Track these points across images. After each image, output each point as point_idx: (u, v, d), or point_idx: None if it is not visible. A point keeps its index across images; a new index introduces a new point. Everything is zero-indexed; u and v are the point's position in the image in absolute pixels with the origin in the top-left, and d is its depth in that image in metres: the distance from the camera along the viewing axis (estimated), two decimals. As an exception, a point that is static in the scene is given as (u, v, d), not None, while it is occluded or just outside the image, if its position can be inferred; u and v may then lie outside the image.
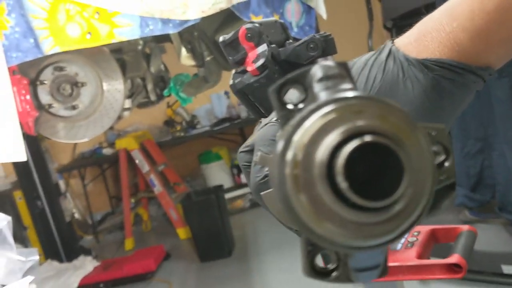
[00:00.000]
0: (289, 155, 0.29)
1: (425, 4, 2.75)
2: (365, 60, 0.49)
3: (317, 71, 0.32)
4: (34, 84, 1.90)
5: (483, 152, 2.63)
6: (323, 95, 0.31)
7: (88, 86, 1.91)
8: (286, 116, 0.32)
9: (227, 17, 1.88)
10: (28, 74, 1.91)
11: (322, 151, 0.28)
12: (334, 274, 0.34)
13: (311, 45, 0.88)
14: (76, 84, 1.90)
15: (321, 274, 0.35)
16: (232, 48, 0.93)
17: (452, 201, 2.91)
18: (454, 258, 0.75)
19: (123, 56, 2.19)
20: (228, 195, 4.48)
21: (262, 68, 0.85)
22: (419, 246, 0.84)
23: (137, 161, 4.31)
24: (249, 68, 0.87)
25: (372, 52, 0.49)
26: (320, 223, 0.29)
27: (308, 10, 2.14)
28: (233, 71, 0.89)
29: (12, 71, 1.83)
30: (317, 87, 0.31)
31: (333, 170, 0.28)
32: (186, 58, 2.01)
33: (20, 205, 4.31)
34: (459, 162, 2.69)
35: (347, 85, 0.31)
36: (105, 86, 1.94)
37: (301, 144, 0.29)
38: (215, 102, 5.12)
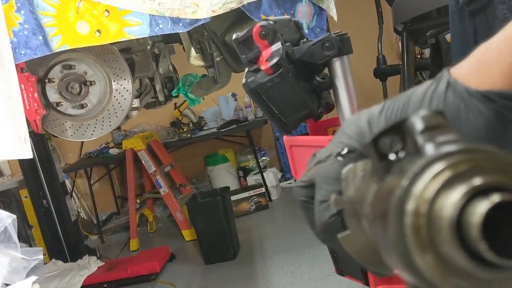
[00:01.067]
0: (410, 207, 0.28)
1: (437, 8, 2.73)
2: (422, 91, 0.47)
3: (416, 121, 0.32)
4: (42, 82, 1.89)
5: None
6: (429, 148, 0.30)
7: (97, 85, 1.89)
8: (387, 166, 0.32)
9: (237, 18, 1.87)
10: (36, 72, 1.90)
11: (449, 208, 0.28)
12: None
13: (327, 44, 0.86)
14: (84, 83, 1.89)
15: None
16: (246, 46, 0.91)
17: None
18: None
19: (132, 56, 2.18)
20: (234, 197, 4.46)
21: (276, 67, 0.83)
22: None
23: (143, 162, 4.30)
24: (262, 67, 0.85)
25: (428, 83, 0.48)
26: (447, 280, 0.28)
27: (320, 12, 2.12)
28: (246, 69, 0.87)
29: (20, 69, 1.82)
30: (420, 139, 0.31)
31: (462, 229, 0.28)
32: (195, 59, 1.99)
33: (26, 204, 4.31)
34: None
35: (452, 136, 0.31)
36: (114, 85, 1.92)
37: (423, 197, 0.28)
38: (222, 104, 5.11)
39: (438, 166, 0.28)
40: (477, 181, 0.28)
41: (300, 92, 0.83)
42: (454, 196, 0.28)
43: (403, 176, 0.29)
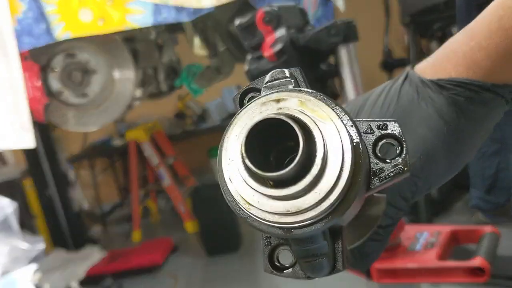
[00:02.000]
0: (225, 144, 0.34)
1: (445, 1, 2.69)
2: (383, 87, 0.49)
3: (269, 75, 0.37)
4: (45, 70, 1.88)
5: (499, 153, 2.57)
6: (263, 93, 0.36)
7: (99, 74, 1.88)
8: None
9: (242, 7, 1.84)
10: (39, 60, 1.89)
11: (242, 135, 0.32)
12: (290, 269, 0.37)
13: (333, 31, 0.83)
14: (87, 72, 1.88)
15: (278, 269, 0.38)
16: (249, 32, 0.89)
17: (466, 203, 2.86)
18: (477, 261, 0.71)
19: (135, 46, 2.16)
20: (237, 190, 4.44)
21: (280, 53, 0.81)
22: (439, 247, 0.80)
23: (146, 154, 4.29)
24: (266, 53, 0.83)
25: (391, 80, 0.50)
26: (249, 205, 0.32)
27: (325, 2, 2.09)
28: (249, 56, 0.85)
29: (23, 57, 1.81)
30: (264, 89, 0.37)
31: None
32: (199, 48, 1.97)
33: (30, 194, 4.31)
34: (474, 163, 2.63)
35: (291, 85, 0.35)
36: (116, 74, 1.91)
37: (233, 133, 0.34)
38: (226, 96, 5.08)
39: (250, 107, 0.34)
40: (268, 110, 0.33)
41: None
42: (247, 125, 0.32)
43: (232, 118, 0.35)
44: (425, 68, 0.47)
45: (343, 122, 0.32)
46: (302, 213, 0.31)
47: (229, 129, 0.35)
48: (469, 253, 0.78)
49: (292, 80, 0.36)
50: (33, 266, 1.24)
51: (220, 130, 4.68)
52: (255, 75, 0.74)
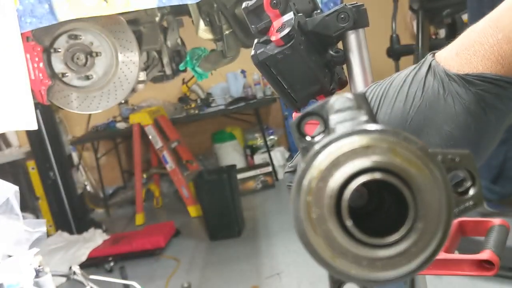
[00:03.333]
0: (304, 186, 0.31)
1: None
2: (404, 76, 0.47)
3: (334, 102, 0.35)
4: (48, 52, 1.86)
5: (507, 143, 2.54)
6: (339, 128, 0.33)
7: (103, 56, 1.86)
8: (307, 148, 0.34)
9: (248, -10, 1.81)
10: (42, 41, 1.86)
11: (332, 186, 0.30)
12: None
13: (342, 16, 0.81)
14: (90, 54, 1.85)
15: None
16: (256, 16, 0.87)
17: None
18: (485, 254, 0.69)
19: (140, 28, 2.13)
20: (240, 176, 4.45)
21: (287, 38, 0.79)
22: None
23: (150, 137, 4.29)
24: (273, 38, 0.80)
25: (411, 67, 0.47)
26: (335, 258, 0.31)
27: (333, -14, 2.05)
28: (255, 40, 0.82)
29: (26, 38, 1.78)
30: (333, 120, 0.34)
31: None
32: (204, 32, 1.95)
33: (33, 175, 4.32)
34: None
35: (363, 117, 0.33)
36: (120, 57, 1.88)
37: (315, 176, 0.31)
38: (231, 80, 5.05)
39: (333, 146, 0.31)
40: (361, 162, 0.30)
41: (312, 66, 0.79)
42: (339, 174, 0.30)
43: (308, 156, 0.32)
44: (448, 59, 0.45)
45: (436, 169, 0.30)
46: (396, 269, 0.30)
47: (307, 170, 0.31)
48: (476, 245, 0.77)
49: (363, 111, 0.34)
50: (35, 250, 1.24)
51: (224, 114, 4.66)
52: (261, 59, 0.72)
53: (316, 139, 0.35)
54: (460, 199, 0.34)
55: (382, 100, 0.46)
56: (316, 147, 0.32)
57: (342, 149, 0.31)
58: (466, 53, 0.44)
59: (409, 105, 0.45)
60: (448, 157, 0.33)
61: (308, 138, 0.35)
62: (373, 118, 0.34)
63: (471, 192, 0.34)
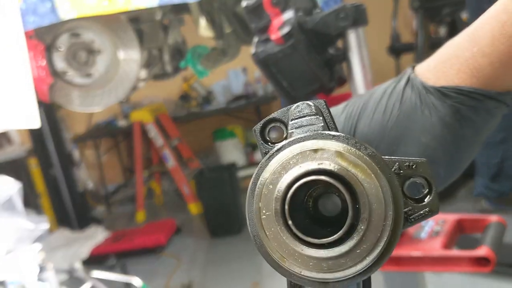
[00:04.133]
0: (256, 191, 0.32)
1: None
2: (384, 88, 0.48)
3: (294, 109, 0.36)
4: (49, 50, 1.87)
5: (505, 142, 2.55)
6: (295, 133, 0.35)
7: (104, 54, 1.86)
8: (267, 152, 0.35)
9: (249, -11, 1.81)
10: (44, 39, 1.87)
11: (278, 188, 0.32)
12: None
13: (342, 15, 0.82)
14: (92, 52, 1.86)
15: None
16: (256, 14, 0.87)
17: (470, 191, 2.85)
18: (482, 251, 0.70)
19: (141, 26, 2.13)
20: (241, 173, 4.45)
21: (287, 36, 0.80)
22: (444, 236, 0.79)
23: (151, 135, 4.30)
24: (273, 36, 0.81)
25: (392, 80, 0.49)
26: (283, 259, 0.32)
27: (334, -16, 2.05)
28: (256, 39, 0.83)
29: (28, 36, 1.79)
30: (291, 126, 0.36)
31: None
32: (204, 30, 1.95)
33: (35, 173, 4.34)
34: (480, 151, 2.61)
35: (320, 124, 0.35)
36: (121, 55, 1.89)
37: (265, 180, 0.32)
38: (232, 78, 5.06)
39: (285, 151, 0.33)
40: (307, 164, 0.31)
41: (312, 65, 0.80)
42: (287, 176, 0.32)
43: (262, 161, 0.34)
44: (426, 71, 0.46)
45: (383, 174, 0.31)
46: (342, 271, 0.31)
47: (260, 174, 0.33)
48: (474, 242, 0.78)
49: (321, 118, 0.35)
50: (37, 246, 1.25)
51: (225, 112, 4.66)
52: (261, 58, 0.73)
53: (276, 144, 0.36)
54: (416, 206, 0.34)
55: (363, 111, 0.48)
56: (271, 151, 0.33)
57: (292, 152, 0.32)
58: (443, 66, 0.45)
59: (387, 116, 0.46)
60: (405, 165, 0.34)
61: (269, 144, 0.37)
62: (331, 125, 0.36)
63: (427, 199, 0.34)
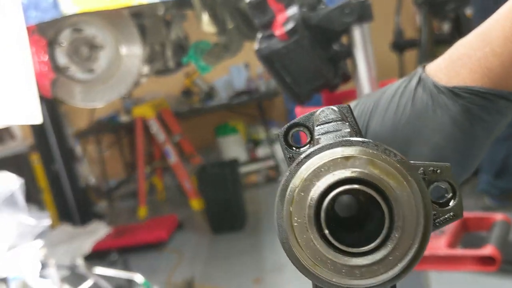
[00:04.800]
0: (287, 197, 0.32)
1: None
2: (395, 87, 0.49)
3: (319, 114, 0.36)
4: (51, 45, 1.86)
5: (510, 138, 2.54)
6: (323, 139, 0.35)
7: (106, 49, 1.86)
8: (292, 157, 0.36)
9: (252, -16, 1.79)
10: (46, 35, 1.87)
11: (312, 196, 0.32)
12: None
13: (347, 10, 0.81)
14: (94, 47, 1.86)
15: None
16: (259, 10, 0.86)
17: (473, 187, 2.84)
18: (488, 250, 0.70)
19: (143, 21, 2.13)
20: (243, 169, 4.45)
21: (291, 32, 0.79)
22: (449, 235, 0.78)
23: (153, 131, 4.29)
24: (277, 32, 0.80)
25: (402, 79, 0.49)
26: (315, 266, 0.32)
27: (337, -20, 2.04)
28: (259, 35, 0.82)
29: (31, 31, 1.78)
30: (318, 131, 0.36)
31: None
32: (207, 25, 1.94)
33: (37, 168, 4.34)
34: (484, 148, 2.60)
35: (346, 129, 0.35)
36: (123, 50, 1.88)
37: (296, 185, 0.32)
38: (234, 74, 5.05)
39: (315, 158, 0.32)
40: (340, 172, 0.31)
41: (316, 61, 0.79)
42: (320, 184, 0.31)
43: (290, 167, 0.33)
44: (437, 71, 0.46)
45: (413, 180, 0.32)
46: (373, 277, 0.32)
47: (290, 180, 0.33)
48: (479, 240, 0.77)
49: (347, 124, 0.36)
50: (39, 242, 1.24)
51: (227, 108, 4.65)
52: (265, 54, 0.72)
53: (302, 149, 0.36)
54: (440, 210, 0.35)
55: (374, 110, 0.48)
56: (299, 157, 0.33)
57: (323, 160, 0.32)
58: (454, 66, 0.45)
59: (399, 116, 0.46)
60: (429, 169, 0.35)
61: (294, 149, 0.37)
62: (357, 130, 0.36)
63: (451, 203, 0.35)
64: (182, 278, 2.74)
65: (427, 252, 0.76)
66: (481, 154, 0.47)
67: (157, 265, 3.31)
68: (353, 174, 0.31)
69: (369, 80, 0.85)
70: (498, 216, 0.78)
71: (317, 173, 0.32)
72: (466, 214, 0.80)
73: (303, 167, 0.33)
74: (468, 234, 0.81)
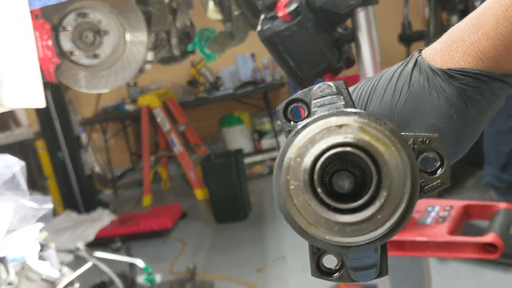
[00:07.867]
0: (284, 164, 0.35)
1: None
2: (392, 71, 0.50)
3: (316, 89, 0.39)
4: (56, 30, 1.85)
5: (516, 131, 2.51)
6: (319, 111, 0.38)
7: (111, 35, 1.84)
8: (290, 131, 0.39)
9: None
10: (51, 19, 1.86)
11: (306, 160, 0.34)
12: (337, 274, 0.40)
13: (351, -8, 0.79)
14: (98, 32, 1.84)
15: (326, 273, 0.40)
16: (263, -9, 0.85)
17: (478, 180, 2.82)
18: (489, 237, 0.68)
19: (149, 8, 2.11)
20: (247, 160, 4.45)
21: (294, 13, 0.77)
22: (451, 222, 0.77)
23: (158, 119, 4.29)
24: (280, 13, 0.79)
25: (399, 63, 0.51)
26: (310, 225, 0.34)
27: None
28: (262, 16, 0.81)
29: (35, 15, 1.78)
30: (314, 105, 0.39)
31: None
32: (213, 12, 1.92)
33: (42, 155, 4.36)
34: (489, 139, 2.58)
35: (341, 102, 0.38)
36: (128, 36, 1.87)
37: (292, 154, 0.35)
38: (240, 63, 5.03)
39: (311, 127, 0.35)
40: (333, 138, 0.34)
41: (320, 44, 0.78)
42: (314, 150, 0.34)
43: (288, 137, 0.36)
44: (433, 54, 0.48)
45: (402, 147, 0.34)
46: (363, 235, 0.34)
47: (287, 149, 0.36)
48: (480, 231, 0.76)
49: (341, 97, 0.38)
50: (40, 225, 1.24)
51: (232, 98, 4.63)
52: (267, 35, 0.71)
53: (300, 123, 0.39)
54: (428, 178, 0.38)
55: (372, 93, 0.50)
56: (297, 128, 0.36)
57: (318, 128, 0.35)
58: (449, 49, 0.47)
59: (396, 98, 0.48)
60: (418, 140, 0.38)
61: (292, 122, 0.41)
62: (350, 104, 0.39)
63: (439, 172, 0.38)
64: (185, 266, 2.75)
65: (428, 238, 0.75)
66: (476, 135, 0.49)
67: (160, 253, 3.32)
68: (345, 140, 0.34)
69: (373, 64, 0.84)
70: (502, 205, 0.77)
71: (312, 140, 0.35)
72: (469, 202, 0.79)
73: (300, 136, 0.35)
74: (470, 224, 0.80)
